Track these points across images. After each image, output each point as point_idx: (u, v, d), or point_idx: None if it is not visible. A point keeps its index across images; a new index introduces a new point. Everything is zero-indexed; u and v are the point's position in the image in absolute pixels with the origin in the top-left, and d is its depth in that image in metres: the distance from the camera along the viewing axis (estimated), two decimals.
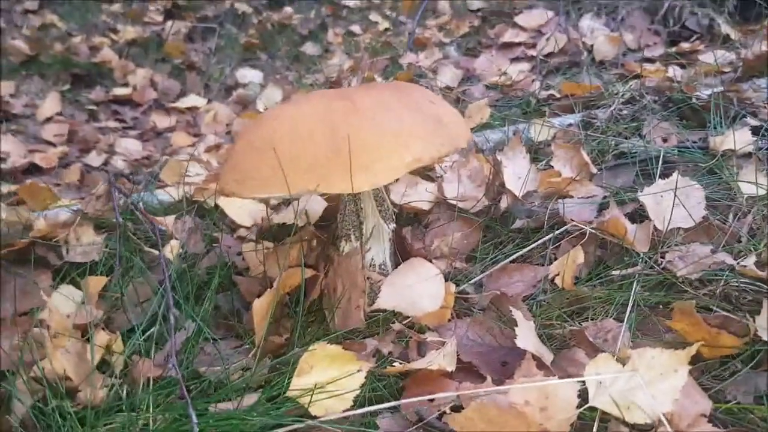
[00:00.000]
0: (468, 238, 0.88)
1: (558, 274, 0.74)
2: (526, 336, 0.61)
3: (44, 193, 1.19)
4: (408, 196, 0.93)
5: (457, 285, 0.78)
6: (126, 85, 2.45)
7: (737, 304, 0.66)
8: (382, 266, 0.74)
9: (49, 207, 1.13)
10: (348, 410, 0.58)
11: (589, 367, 0.57)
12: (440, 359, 0.61)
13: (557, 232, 0.81)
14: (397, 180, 0.62)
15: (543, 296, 0.74)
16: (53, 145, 1.95)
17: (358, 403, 0.61)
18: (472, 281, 0.78)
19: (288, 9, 3.17)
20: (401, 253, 0.82)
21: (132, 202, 1.08)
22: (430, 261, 0.80)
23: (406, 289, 0.71)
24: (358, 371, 0.62)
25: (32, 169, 1.73)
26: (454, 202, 0.93)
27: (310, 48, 2.69)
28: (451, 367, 0.61)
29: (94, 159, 1.82)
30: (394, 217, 0.75)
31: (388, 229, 0.74)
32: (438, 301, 0.70)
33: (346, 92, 0.65)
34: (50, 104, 2.18)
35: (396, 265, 0.76)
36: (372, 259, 0.73)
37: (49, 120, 2.11)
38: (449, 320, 0.70)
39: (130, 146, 1.90)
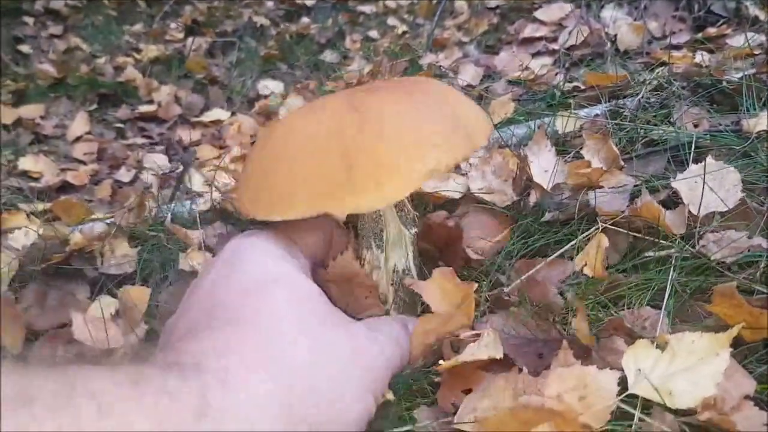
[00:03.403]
0: (497, 232, 0.87)
1: (586, 264, 0.73)
2: None
3: (78, 208, 1.21)
4: (437, 188, 0.93)
5: (487, 277, 0.78)
6: (151, 102, 2.50)
7: None
8: (406, 271, 0.73)
9: (83, 221, 1.15)
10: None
11: (628, 354, 0.56)
12: (485, 349, 0.60)
13: (593, 229, 0.78)
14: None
15: (576, 286, 0.73)
16: (84, 163, 2.00)
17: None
18: (504, 276, 0.78)
19: (305, 19, 3.20)
20: (430, 241, 0.82)
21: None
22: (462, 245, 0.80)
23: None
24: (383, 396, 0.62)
25: (65, 187, 1.77)
26: (481, 197, 0.92)
27: (328, 56, 2.71)
28: (499, 355, 0.59)
29: (124, 175, 1.86)
30: (416, 221, 0.74)
31: (409, 234, 0.72)
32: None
33: (358, 99, 0.61)
34: (79, 124, 2.23)
35: (419, 269, 0.75)
36: (395, 264, 0.72)
37: (78, 139, 2.16)
38: (483, 315, 0.69)
39: (159, 161, 1.93)
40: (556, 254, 0.76)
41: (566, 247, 0.77)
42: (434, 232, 0.83)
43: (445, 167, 0.56)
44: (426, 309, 0.70)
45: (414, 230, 0.73)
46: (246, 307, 0.48)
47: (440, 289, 0.66)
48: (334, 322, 0.53)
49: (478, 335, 0.63)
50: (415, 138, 0.57)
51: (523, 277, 0.74)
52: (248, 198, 0.61)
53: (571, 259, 0.79)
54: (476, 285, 0.67)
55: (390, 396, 0.61)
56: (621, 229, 0.77)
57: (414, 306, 0.74)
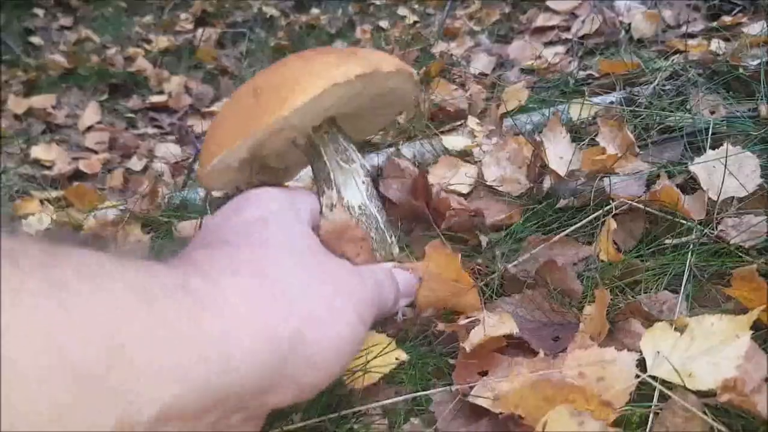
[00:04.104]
0: (508, 216, 0.87)
1: (600, 250, 0.72)
2: None
3: (90, 195, 1.22)
4: (447, 179, 0.92)
5: (494, 259, 0.77)
6: (161, 92, 2.50)
7: None
8: (362, 207, 0.71)
9: (96, 207, 1.16)
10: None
11: (646, 337, 0.55)
12: (501, 326, 0.60)
13: (609, 216, 0.78)
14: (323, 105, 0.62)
15: (592, 269, 0.72)
16: (95, 152, 2.00)
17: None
18: (517, 257, 0.77)
19: (315, 10, 3.19)
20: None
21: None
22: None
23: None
24: (396, 359, 0.62)
25: (77, 175, 1.78)
26: (493, 185, 0.92)
27: (339, 46, 2.70)
28: (515, 329, 0.60)
29: (135, 164, 1.86)
30: (357, 154, 0.73)
31: (357, 167, 0.71)
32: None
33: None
34: (90, 114, 2.24)
35: (378, 207, 0.73)
36: (348, 201, 0.71)
37: (90, 129, 2.18)
38: (498, 296, 0.69)
39: (171, 150, 1.94)
40: (566, 231, 0.75)
41: (576, 226, 0.76)
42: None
43: (343, 78, 0.61)
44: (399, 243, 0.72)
45: (355, 164, 0.72)
46: (247, 236, 0.52)
47: (435, 265, 0.65)
48: (324, 255, 0.56)
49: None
50: (313, 64, 0.64)
51: (533, 251, 0.74)
52: (199, 165, 0.68)
53: (590, 244, 0.78)
54: (476, 265, 0.67)
55: (403, 356, 0.61)
56: (637, 215, 0.76)
57: (384, 242, 0.73)
